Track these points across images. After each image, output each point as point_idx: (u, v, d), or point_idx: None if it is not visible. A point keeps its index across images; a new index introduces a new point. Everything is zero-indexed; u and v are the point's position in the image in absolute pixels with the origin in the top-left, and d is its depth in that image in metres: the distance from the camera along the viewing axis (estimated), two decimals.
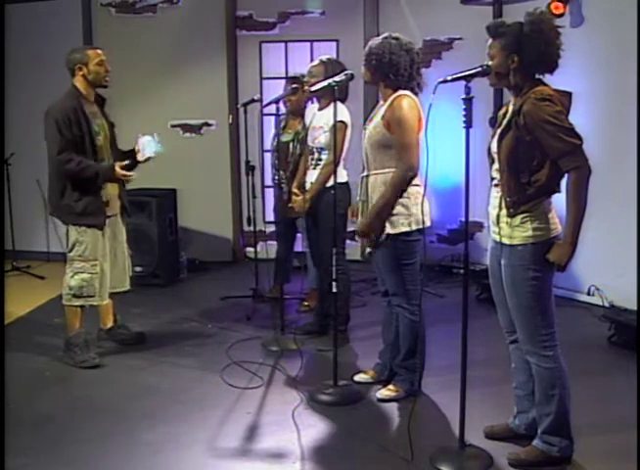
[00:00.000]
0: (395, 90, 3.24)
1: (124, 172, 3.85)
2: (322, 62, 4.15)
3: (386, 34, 3.29)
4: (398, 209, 3.21)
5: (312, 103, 4.30)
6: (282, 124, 4.90)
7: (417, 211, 3.16)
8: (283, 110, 4.87)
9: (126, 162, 3.89)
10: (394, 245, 3.25)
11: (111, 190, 4.00)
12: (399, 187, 3.18)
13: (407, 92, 3.22)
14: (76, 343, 3.95)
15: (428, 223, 3.28)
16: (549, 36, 2.55)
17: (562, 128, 2.47)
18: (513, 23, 2.59)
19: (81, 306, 3.96)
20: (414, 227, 3.21)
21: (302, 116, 4.67)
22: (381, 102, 3.36)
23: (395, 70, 3.20)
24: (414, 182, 3.22)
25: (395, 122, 3.16)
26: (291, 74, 5.25)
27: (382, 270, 3.38)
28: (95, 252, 3.90)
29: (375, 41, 3.27)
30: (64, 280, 3.95)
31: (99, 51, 3.89)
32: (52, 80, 6.27)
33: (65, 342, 3.99)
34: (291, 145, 4.69)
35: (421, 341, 3.37)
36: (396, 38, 3.25)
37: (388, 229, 3.22)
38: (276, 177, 4.87)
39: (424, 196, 3.07)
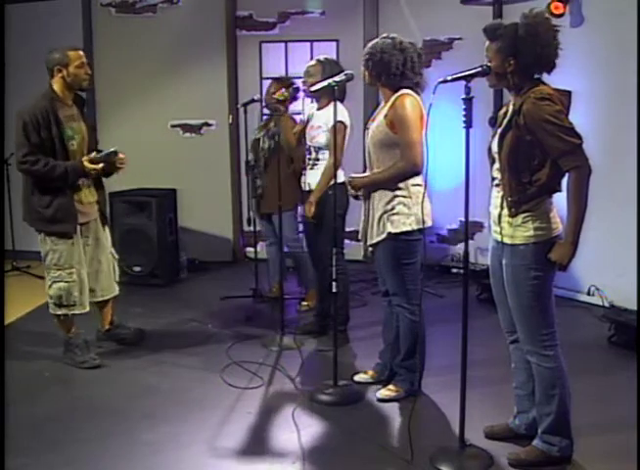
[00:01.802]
0: (394, 90, 3.24)
1: (93, 166, 3.72)
2: (319, 61, 4.16)
3: (384, 34, 3.29)
4: (400, 208, 3.21)
5: (312, 102, 4.30)
6: (259, 124, 4.96)
7: (418, 210, 3.15)
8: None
9: (92, 154, 3.77)
10: (395, 244, 3.25)
11: (88, 196, 3.90)
12: (398, 177, 3.20)
13: (409, 91, 3.22)
14: (76, 343, 3.94)
15: (429, 223, 3.28)
16: (545, 38, 2.55)
17: (562, 128, 2.47)
18: (509, 25, 2.59)
19: (65, 315, 3.90)
20: (415, 227, 3.21)
21: (285, 113, 4.69)
22: (382, 102, 3.36)
23: (387, 68, 3.20)
24: (416, 182, 3.22)
25: (399, 121, 3.16)
26: (279, 74, 5.25)
27: (382, 270, 3.38)
28: (70, 259, 3.81)
29: (371, 42, 3.28)
30: (45, 289, 3.91)
31: (80, 52, 3.78)
32: None
33: (64, 342, 3.98)
34: (261, 141, 4.71)
35: (421, 341, 3.37)
36: (392, 38, 3.24)
37: (390, 228, 3.22)
38: (250, 173, 4.89)
39: (424, 195, 3.08)
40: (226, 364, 3.90)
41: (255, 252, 5.23)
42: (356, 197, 3.44)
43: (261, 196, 4.74)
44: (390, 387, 3.46)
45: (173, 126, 6.53)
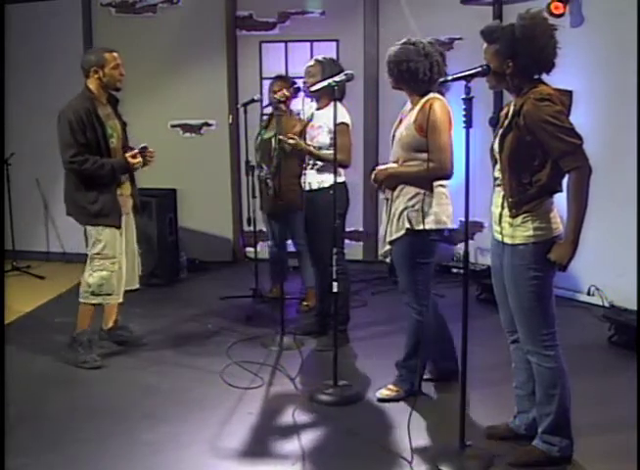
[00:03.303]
0: (421, 95, 3.24)
1: (136, 160, 3.88)
2: (318, 61, 4.15)
3: (404, 40, 3.27)
4: (421, 206, 3.21)
5: (312, 101, 4.30)
6: (264, 123, 4.96)
7: (439, 210, 3.20)
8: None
9: (136, 150, 3.91)
10: (412, 241, 3.25)
11: (124, 189, 4.01)
12: (424, 177, 3.18)
13: (437, 95, 3.22)
14: (80, 341, 3.95)
15: (449, 225, 3.28)
16: (542, 40, 2.54)
17: (562, 128, 2.47)
18: (506, 27, 2.58)
19: (98, 304, 3.97)
20: (434, 226, 3.22)
21: (286, 113, 4.69)
22: (409, 105, 3.35)
23: (415, 76, 3.20)
24: (441, 182, 3.23)
25: (429, 125, 3.15)
26: (280, 74, 5.23)
27: (396, 267, 3.38)
28: (114, 249, 3.92)
29: (393, 48, 3.26)
30: (82, 278, 3.96)
31: (115, 54, 3.89)
32: (52, 80, 6.28)
33: (70, 338, 3.99)
34: (273, 141, 4.70)
35: (426, 344, 3.37)
36: (414, 43, 3.22)
37: (408, 224, 3.23)
38: (261, 174, 4.89)
39: (426, 196, 3.07)
40: (226, 364, 3.90)
41: (255, 252, 5.23)
42: (378, 188, 3.42)
43: (275, 196, 4.70)
44: (391, 387, 3.46)
45: (173, 126, 6.53)
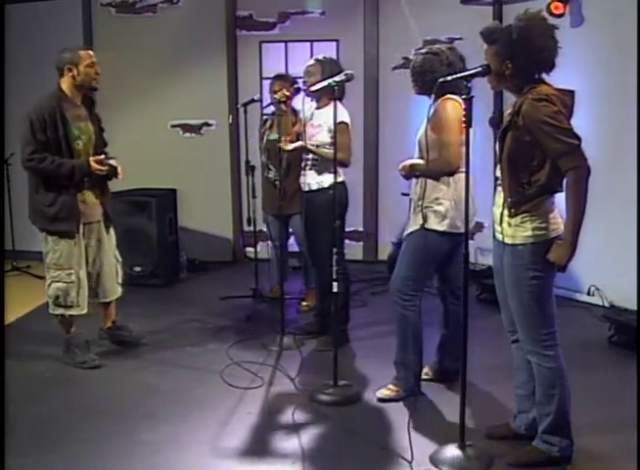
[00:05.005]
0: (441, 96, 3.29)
1: (99, 166, 3.74)
2: (318, 61, 4.15)
3: (426, 49, 3.32)
4: (439, 208, 3.26)
5: (311, 100, 4.30)
6: (269, 124, 4.94)
7: (455, 215, 3.23)
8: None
9: (102, 156, 3.80)
10: (421, 237, 3.28)
11: (92, 197, 3.90)
12: (433, 173, 3.25)
13: (452, 95, 3.26)
14: (76, 343, 3.94)
15: (462, 230, 3.29)
16: (540, 41, 2.53)
17: (559, 129, 2.47)
18: (505, 29, 2.59)
19: (62, 316, 3.90)
20: (447, 230, 3.26)
21: (292, 113, 4.68)
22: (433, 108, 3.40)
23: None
24: (456, 189, 3.26)
25: (437, 123, 3.21)
26: (280, 73, 5.22)
27: (398, 259, 3.40)
28: (70, 260, 3.81)
29: (416, 58, 3.32)
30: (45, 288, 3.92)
31: (91, 52, 3.81)
32: (52, 81, 6.24)
33: (65, 342, 3.98)
34: (282, 142, 4.69)
35: (416, 341, 3.37)
36: (437, 53, 3.29)
37: (422, 220, 3.28)
38: (269, 176, 4.88)
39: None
40: (226, 364, 3.90)
41: (255, 252, 5.23)
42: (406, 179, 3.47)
43: (283, 197, 4.58)
44: (391, 386, 3.46)
45: (173, 126, 6.53)
